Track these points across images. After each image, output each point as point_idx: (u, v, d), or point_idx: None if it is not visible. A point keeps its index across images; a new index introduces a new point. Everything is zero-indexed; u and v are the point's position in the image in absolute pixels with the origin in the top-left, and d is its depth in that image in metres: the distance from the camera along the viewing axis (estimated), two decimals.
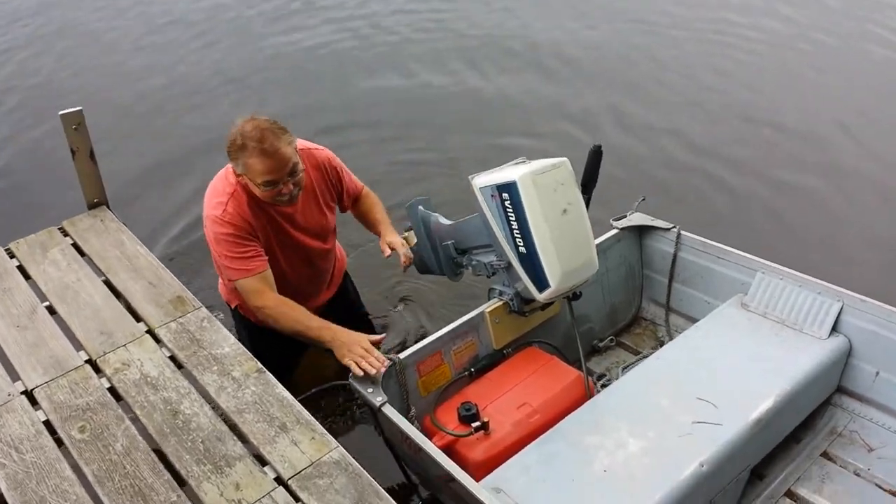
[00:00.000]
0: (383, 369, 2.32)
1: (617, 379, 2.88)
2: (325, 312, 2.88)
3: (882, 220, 4.26)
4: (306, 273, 2.81)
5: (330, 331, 2.43)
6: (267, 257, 2.55)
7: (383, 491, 1.86)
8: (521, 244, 2.39)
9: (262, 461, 2.01)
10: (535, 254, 2.37)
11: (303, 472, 1.93)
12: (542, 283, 2.42)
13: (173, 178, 4.83)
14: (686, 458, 2.16)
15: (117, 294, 2.63)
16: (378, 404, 2.23)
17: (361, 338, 2.39)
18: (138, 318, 2.52)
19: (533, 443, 2.28)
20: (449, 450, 2.31)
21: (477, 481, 2.16)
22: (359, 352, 2.33)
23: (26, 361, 2.32)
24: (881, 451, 2.51)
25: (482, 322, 2.64)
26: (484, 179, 2.42)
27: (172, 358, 2.36)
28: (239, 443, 2.04)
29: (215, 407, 2.19)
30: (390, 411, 2.23)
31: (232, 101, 5.74)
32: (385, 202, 3.01)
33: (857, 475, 2.47)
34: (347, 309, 3.13)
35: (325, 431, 2.05)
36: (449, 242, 2.83)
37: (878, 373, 2.53)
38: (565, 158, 2.41)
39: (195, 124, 5.42)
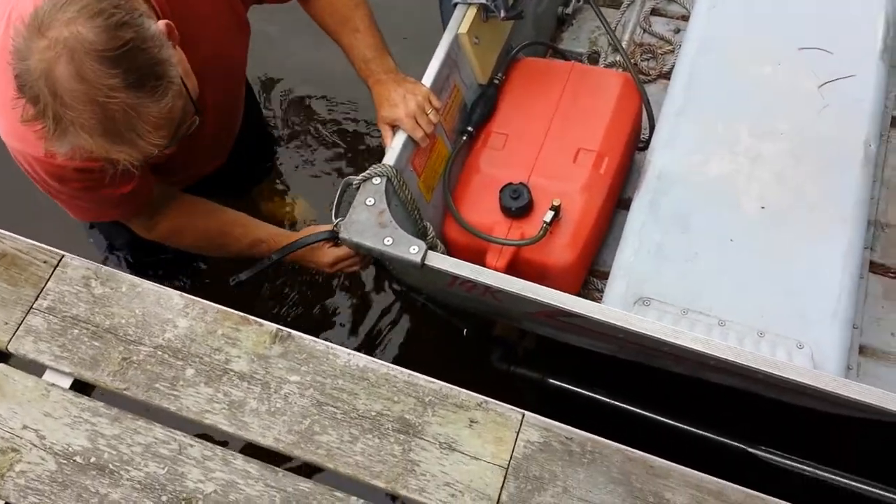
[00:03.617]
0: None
1: (614, 49, 2.08)
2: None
3: None
4: (211, 142, 1.64)
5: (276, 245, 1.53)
6: (139, 182, 1.35)
7: (654, 458, 1.05)
8: None
9: None
10: None
11: (505, 497, 0.99)
12: None
13: None
14: (846, 144, 1.51)
15: None
16: (419, 260, 1.34)
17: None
18: None
19: (635, 204, 1.54)
20: (514, 265, 1.53)
21: (575, 292, 1.45)
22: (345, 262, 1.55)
23: None
24: None
25: (460, 52, 1.66)
26: None
27: (82, 387, 1.15)
28: (352, 498, 1.05)
29: (253, 452, 1.10)
30: (438, 259, 1.36)
31: None
32: None
33: None
34: (253, 136, 2.08)
35: (485, 398, 1.09)
36: None
37: None
38: None
39: None
